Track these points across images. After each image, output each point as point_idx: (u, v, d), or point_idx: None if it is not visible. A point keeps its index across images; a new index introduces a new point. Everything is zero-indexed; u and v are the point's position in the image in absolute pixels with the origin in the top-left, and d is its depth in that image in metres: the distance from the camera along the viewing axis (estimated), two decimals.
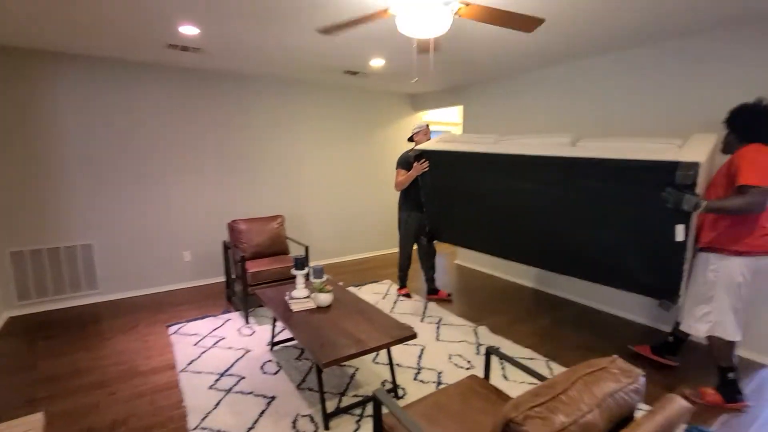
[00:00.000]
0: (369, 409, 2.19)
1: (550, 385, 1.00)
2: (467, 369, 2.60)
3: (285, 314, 2.41)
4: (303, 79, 4.59)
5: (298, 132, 4.78)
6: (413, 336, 2.16)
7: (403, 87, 5.10)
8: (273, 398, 2.27)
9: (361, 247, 5.54)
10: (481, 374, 2.00)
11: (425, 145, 3.17)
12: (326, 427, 2.02)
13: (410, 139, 3.63)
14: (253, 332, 3.09)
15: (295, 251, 4.72)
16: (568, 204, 2.31)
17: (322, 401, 2.08)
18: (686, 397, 2.29)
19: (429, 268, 3.80)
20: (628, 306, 3.43)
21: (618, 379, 1.05)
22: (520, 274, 4.38)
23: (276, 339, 2.98)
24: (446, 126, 6.44)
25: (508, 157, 2.53)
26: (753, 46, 2.58)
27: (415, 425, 1.24)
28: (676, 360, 2.59)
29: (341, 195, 5.25)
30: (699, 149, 1.87)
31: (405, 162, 3.46)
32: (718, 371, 2.23)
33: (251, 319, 3.32)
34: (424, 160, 3.12)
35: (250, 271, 3.26)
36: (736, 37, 2.66)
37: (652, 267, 2.10)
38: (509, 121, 4.33)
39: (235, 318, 3.36)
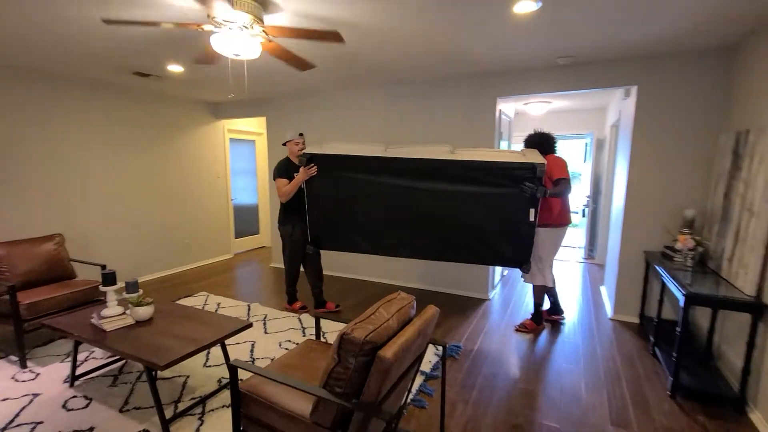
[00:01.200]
0: (212, 404, 2.28)
1: (366, 313, 1.51)
2: None
3: (96, 336, 2.19)
4: (81, 76, 3.92)
5: (79, 138, 4.04)
6: (249, 325, 2.37)
7: (202, 95, 4.99)
8: (91, 429, 2.05)
9: (166, 264, 5.07)
10: None
11: (313, 150, 3.12)
12: None
13: (284, 144, 3.56)
14: (37, 375, 2.57)
15: (86, 275, 4.00)
16: (450, 199, 2.81)
17: (159, 409, 2.05)
18: (518, 328, 3.32)
19: (317, 279, 3.68)
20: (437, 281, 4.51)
21: (402, 302, 1.65)
22: (368, 273, 5.02)
23: (78, 372, 2.58)
24: (247, 136, 6.54)
25: (404, 160, 2.81)
26: (451, 95, 3.94)
27: (276, 373, 1.55)
28: (562, 316, 3.57)
29: (137, 208, 4.68)
30: (538, 157, 2.72)
31: (286, 170, 3.38)
32: (534, 307, 3.32)
33: (30, 362, 2.71)
34: (312, 165, 3.08)
35: (24, 303, 2.67)
36: (438, 89, 3.98)
37: (512, 243, 2.82)
38: (310, 132, 4.91)
39: (3, 365, 2.67)
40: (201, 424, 2.10)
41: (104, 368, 2.65)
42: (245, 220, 6.51)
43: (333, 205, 3.13)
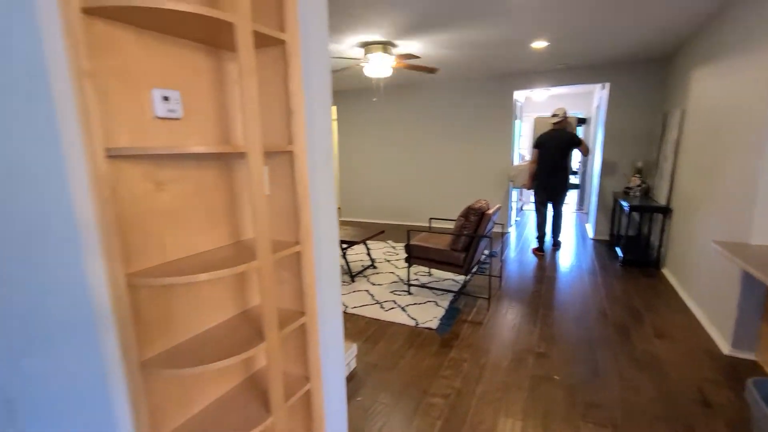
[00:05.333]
0: (379, 267, 4.08)
1: (474, 203, 3.29)
2: None
3: None
4: None
5: None
6: (381, 231, 4.14)
7: None
8: None
9: None
10: None
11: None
12: None
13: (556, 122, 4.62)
14: None
15: None
16: None
17: (348, 270, 3.83)
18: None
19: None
20: None
21: (485, 201, 3.43)
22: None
23: None
24: None
25: None
26: None
27: (425, 234, 3.33)
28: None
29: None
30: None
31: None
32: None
33: None
34: None
35: None
36: (469, 87, 5.66)
37: None
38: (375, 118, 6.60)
39: None
40: (373, 274, 3.90)
41: None
42: None
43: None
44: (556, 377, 2.22)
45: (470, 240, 3.22)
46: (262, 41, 1.22)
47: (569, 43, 3.89)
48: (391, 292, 3.58)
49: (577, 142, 4.59)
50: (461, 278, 3.92)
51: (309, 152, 1.34)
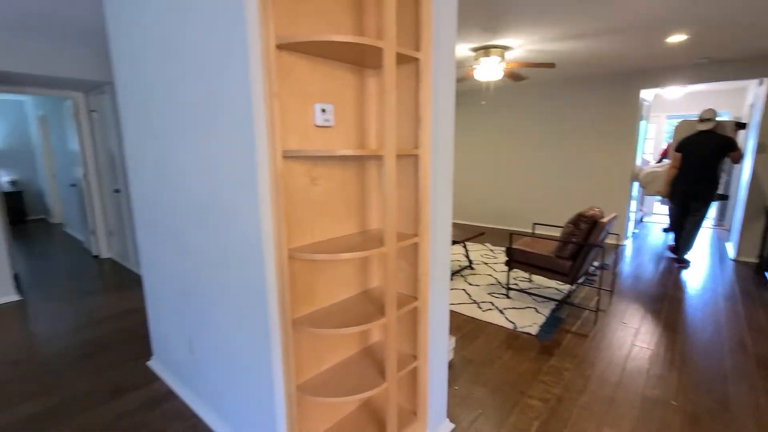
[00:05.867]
0: (476, 269, 4.15)
1: (584, 210, 3.14)
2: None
3: None
4: None
5: None
6: (481, 233, 4.16)
7: None
8: None
9: None
10: None
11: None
12: None
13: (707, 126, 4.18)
14: None
15: None
16: None
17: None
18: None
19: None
20: None
21: (598, 210, 3.24)
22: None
23: None
24: None
25: None
26: None
27: (529, 240, 3.28)
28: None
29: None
30: None
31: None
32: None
33: None
34: None
35: None
36: (591, 85, 5.23)
37: None
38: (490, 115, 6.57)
39: None
40: (470, 275, 3.97)
41: None
42: None
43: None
44: (673, 402, 2.05)
45: (578, 248, 3.08)
46: (400, 60, 1.42)
47: (715, 34, 3.42)
48: (489, 293, 3.60)
49: (732, 147, 4.01)
50: (565, 287, 3.74)
51: (432, 156, 1.51)
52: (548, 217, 6.08)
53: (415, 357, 1.70)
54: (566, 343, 2.67)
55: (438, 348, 1.75)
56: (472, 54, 3.99)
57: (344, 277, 1.65)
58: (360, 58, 1.44)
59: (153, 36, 1.68)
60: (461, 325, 2.96)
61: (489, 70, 3.88)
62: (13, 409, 2.02)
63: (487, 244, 5.46)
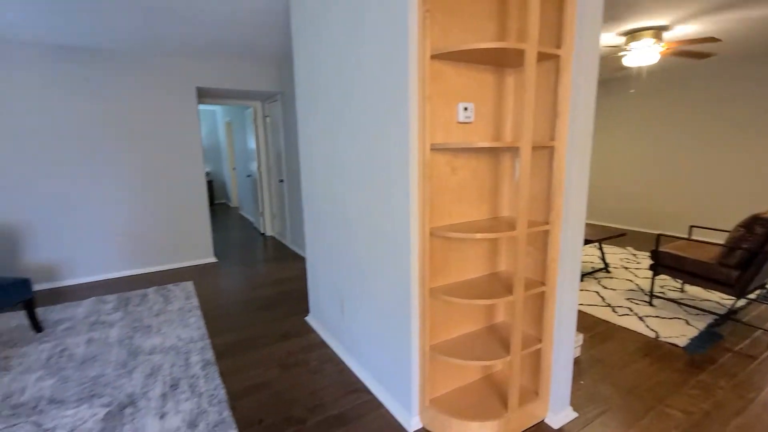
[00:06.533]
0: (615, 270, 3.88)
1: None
2: None
3: None
4: None
5: None
6: (622, 234, 3.81)
7: None
8: None
9: None
10: None
11: None
12: None
13: None
14: None
15: None
16: None
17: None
18: None
19: None
20: None
21: None
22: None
23: None
24: None
25: None
26: None
27: (682, 243, 2.91)
28: None
29: None
30: None
31: None
32: None
33: None
34: None
35: None
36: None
37: None
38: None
39: None
40: (605, 278, 3.72)
41: None
42: None
43: None
44: None
45: (751, 256, 2.62)
46: (541, 57, 1.53)
47: None
48: (627, 299, 3.31)
49: None
50: (730, 301, 3.20)
51: (568, 148, 1.57)
52: (708, 221, 5.14)
53: (539, 339, 1.79)
54: (724, 361, 2.35)
55: (564, 335, 1.80)
56: (621, 40, 3.66)
57: (475, 258, 1.84)
58: (501, 59, 1.59)
59: (329, 56, 2.12)
60: (591, 326, 2.84)
61: (642, 55, 3.52)
62: (222, 336, 2.78)
63: (628, 248, 4.93)
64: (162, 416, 1.88)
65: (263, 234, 6.12)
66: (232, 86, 4.48)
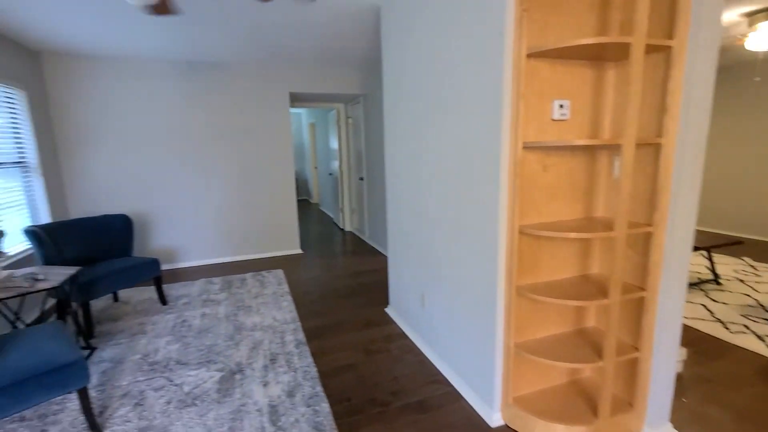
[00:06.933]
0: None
1: None
2: None
3: None
4: None
5: None
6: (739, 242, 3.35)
7: None
8: None
9: None
10: None
11: None
12: None
13: None
14: None
15: None
16: None
17: None
18: None
19: None
20: None
21: None
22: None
23: None
24: None
25: None
26: None
27: None
28: None
29: None
30: None
31: None
32: None
33: None
34: None
35: None
36: None
37: None
38: None
39: None
40: (714, 290, 3.33)
41: None
42: None
43: None
44: None
45: None
46: (648, 50, 1.45)
47: None
48: (743, 315, 2.92)
49: None
50: None
51: (678, 146, 1.47)
52: None
53: (636, 348, 1.69)
54: None
55: (666, 346, 1.68)
56: (744, 20, 3.22)
57: (565, 258, 1.79)
58: (601, 54, 1.54)
59: (419, 56, 2.21)
60: (695, 341, 2.57)
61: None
62: (311, 320, 3.04)
63: (745, 258, 4.30)
64: (265, 384, 2.14)
65: (342, 229, 6.46)
66: (320, 90, 4.81)
